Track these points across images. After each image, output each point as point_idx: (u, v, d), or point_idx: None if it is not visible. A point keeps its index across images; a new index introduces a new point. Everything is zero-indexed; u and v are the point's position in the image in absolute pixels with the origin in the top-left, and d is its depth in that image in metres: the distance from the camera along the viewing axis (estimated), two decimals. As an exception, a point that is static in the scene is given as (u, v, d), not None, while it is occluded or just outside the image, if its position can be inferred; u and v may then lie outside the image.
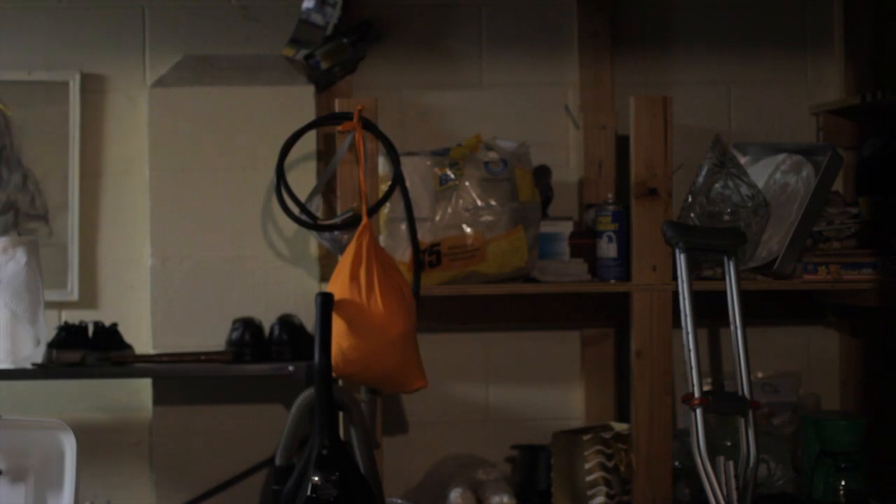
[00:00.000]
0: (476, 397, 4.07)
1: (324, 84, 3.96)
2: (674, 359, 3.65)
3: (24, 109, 3.89)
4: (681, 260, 3.44)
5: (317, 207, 3.68)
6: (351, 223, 3.52)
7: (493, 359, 4.07)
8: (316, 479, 3.21)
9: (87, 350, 3.63)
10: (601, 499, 3.65)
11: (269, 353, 3.74)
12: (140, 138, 3.92)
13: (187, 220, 3.88)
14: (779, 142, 3.97)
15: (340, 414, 3.43)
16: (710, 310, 3.65)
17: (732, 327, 3.48)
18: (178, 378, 3.85)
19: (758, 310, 3.84)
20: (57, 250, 3.88)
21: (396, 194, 3.57)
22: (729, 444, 3.68)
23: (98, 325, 3.68)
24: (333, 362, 3.31)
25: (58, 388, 3.87)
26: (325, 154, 3.93)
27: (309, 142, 3.85)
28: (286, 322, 3.76)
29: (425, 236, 3.60)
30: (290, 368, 3.61)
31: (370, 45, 3.97)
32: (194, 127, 3.88)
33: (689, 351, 3.37)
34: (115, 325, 3.72)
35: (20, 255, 3.57)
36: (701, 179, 3.70)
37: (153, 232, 3.87)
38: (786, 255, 3.67)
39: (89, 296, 3.93)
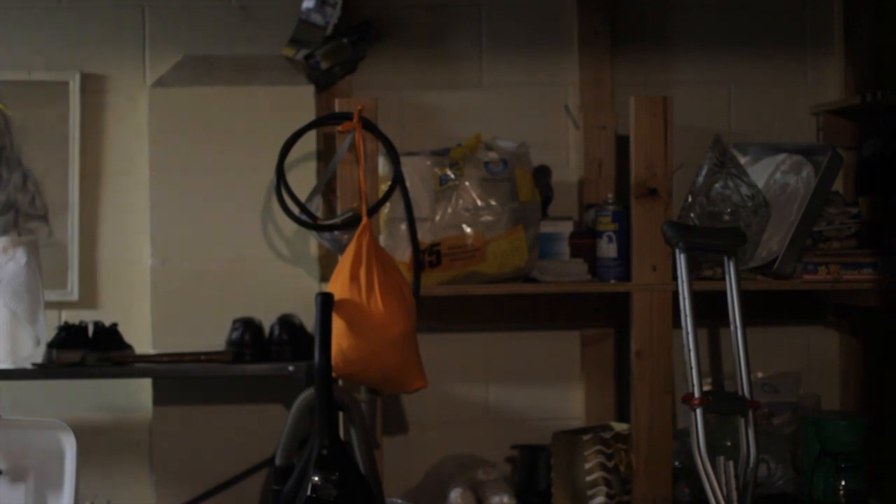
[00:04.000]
0: (476, 397, 4.07)
1: (324, 84, 3.96)
2: (674, 359, 3.65)
3: (24, 109, 3.89)
4: (681, 260, 3.44)
5: (317, 207, 3.68)
6: (351, 223, 3.52)
7: (493, 359, 4.07)
8: (316, 479, 3.21)
9: (87, 350, 3.63)
10: (601, 499, 3.64)
11: (269, 353, 3.74)
12: (140, 138, 3.92)
13: (187, 220, 3.88)
14: (779, 142, 3.97)
15: (340, 414, 3.43)
16: (710, 310, 3.65)
17: (732, 327, 3.48)
18: (178, 378, 3.85)
19: (758, 310, 3.84)
20: (57, 250, 3.88)
21: (396, 194, 3.57)
22: (729, 444, 3.68)
23: (98, 325, 3.68)
24: (333, 362, 3.31)
25: (58, 388, 3.87)
26: (325, 154, 3.93)
27: (309, 142, 3.85)
28: (286, 322, 3.76)
29: (425, 236, 3.60)
30: (290, 368, 3.61)
31: (370, 45, 3.97)
32: (194, 127, 3.88)
33: (689, 351, 3.37)
34: (115, 325, 3.72)
35: (20, 255, 3.57)
36: (701, 179, 3.70)
37: (153, 232, 3.87)
38: (786, 255, 3.67)
39: (89, 296, 3.93)
